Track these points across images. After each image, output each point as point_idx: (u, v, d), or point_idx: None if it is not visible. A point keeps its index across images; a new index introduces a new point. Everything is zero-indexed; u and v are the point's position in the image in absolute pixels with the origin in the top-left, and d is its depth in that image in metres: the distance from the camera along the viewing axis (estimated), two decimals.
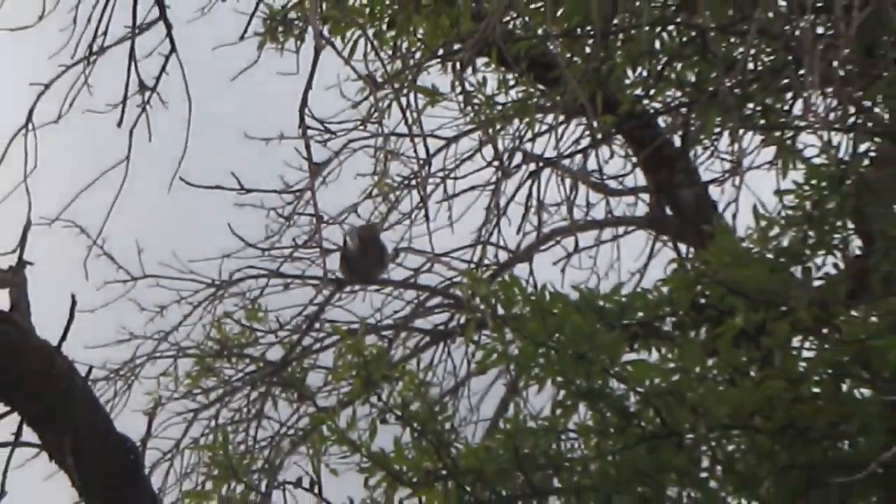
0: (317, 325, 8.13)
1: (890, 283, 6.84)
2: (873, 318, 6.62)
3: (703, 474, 6.64)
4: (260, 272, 8.33)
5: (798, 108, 7.53)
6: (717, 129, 7.87)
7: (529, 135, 8.49)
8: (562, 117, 8.24)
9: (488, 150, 8.51)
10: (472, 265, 8.26)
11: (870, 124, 7.19)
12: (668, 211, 8.22)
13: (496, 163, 8.50)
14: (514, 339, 6.77)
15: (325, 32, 8.55)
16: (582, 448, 6.56)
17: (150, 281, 8.30)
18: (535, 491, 6.54)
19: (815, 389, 6.50)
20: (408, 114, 8.37)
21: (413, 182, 8.34)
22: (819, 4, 6.82)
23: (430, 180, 8.34)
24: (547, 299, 6.75)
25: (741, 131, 7.76)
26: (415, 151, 8.47)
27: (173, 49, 8.89)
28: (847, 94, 6.94)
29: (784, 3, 6.99)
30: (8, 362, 7.91)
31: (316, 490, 6.80)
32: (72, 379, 8.02)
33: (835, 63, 6.57)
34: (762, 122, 7.63)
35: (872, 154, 7.27)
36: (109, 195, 8.52)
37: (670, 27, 7.52)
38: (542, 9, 7.21)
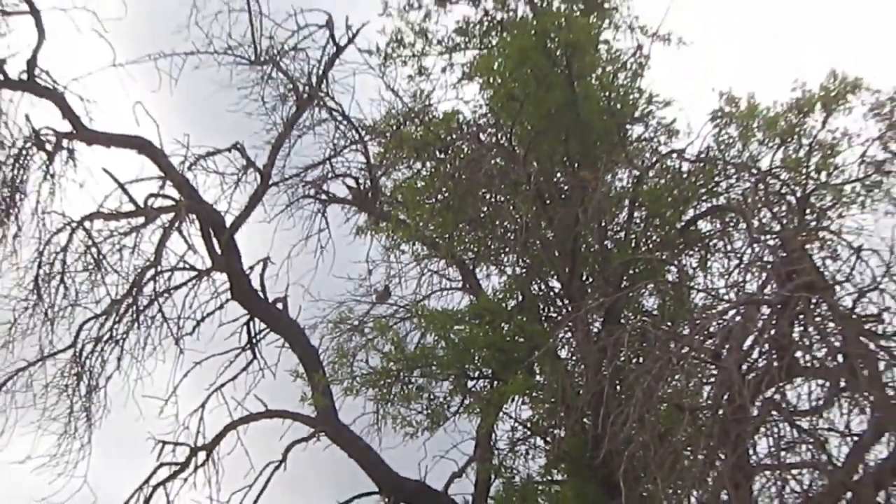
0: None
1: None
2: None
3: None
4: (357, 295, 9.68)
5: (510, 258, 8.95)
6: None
7: (423, 255, 9.59)
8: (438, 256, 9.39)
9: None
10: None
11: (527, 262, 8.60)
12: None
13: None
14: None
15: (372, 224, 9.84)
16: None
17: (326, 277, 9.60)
18: None
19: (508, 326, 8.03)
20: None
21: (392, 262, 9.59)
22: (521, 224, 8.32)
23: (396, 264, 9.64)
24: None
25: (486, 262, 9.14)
26: (395, 256, 9.56)
27: (326, 224, 9.99)
28: (524, 249, 8.39)
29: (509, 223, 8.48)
30: (270, 312, 9.70)
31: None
32: (287, 319, 9.49)
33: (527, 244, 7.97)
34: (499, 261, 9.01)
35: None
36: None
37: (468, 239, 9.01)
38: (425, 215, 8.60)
